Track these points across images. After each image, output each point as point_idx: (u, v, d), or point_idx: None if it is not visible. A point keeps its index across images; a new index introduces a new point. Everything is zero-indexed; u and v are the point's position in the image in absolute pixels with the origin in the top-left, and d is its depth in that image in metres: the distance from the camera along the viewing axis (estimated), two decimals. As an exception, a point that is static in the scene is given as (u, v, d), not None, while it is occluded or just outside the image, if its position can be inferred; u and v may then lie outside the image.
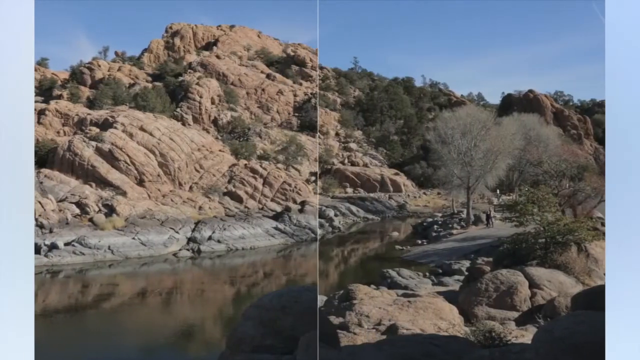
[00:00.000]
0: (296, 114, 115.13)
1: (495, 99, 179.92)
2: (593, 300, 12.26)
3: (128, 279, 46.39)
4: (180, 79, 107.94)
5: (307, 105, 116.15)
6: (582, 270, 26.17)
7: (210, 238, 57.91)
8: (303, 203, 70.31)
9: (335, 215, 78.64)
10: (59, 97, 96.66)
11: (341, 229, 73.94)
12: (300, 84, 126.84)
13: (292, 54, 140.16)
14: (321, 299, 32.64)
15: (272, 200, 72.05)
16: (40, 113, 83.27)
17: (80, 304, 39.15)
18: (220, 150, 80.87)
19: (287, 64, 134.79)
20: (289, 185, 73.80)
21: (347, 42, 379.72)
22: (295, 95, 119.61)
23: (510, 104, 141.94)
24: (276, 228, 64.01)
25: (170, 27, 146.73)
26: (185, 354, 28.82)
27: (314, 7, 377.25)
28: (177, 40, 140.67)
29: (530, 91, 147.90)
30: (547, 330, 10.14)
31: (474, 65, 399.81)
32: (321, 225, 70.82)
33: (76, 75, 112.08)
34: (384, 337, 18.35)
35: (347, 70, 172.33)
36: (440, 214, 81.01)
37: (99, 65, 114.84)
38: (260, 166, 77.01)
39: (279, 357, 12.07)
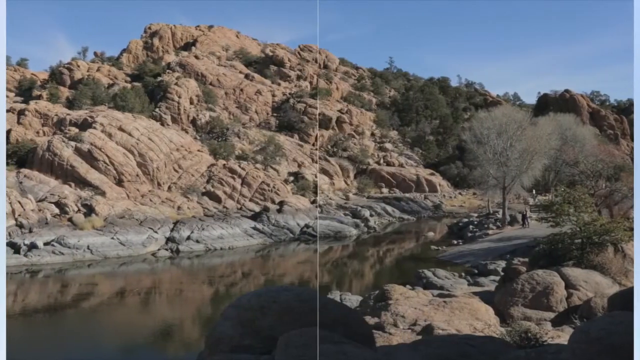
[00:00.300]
0: (274, 114, 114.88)
1: (531, 99, 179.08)
2: (630, 301, 11.64)
3: (107, 279, 46.55)
4: (159, 79, 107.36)
5: (285, 105, 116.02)
6: (618, 270, 26.14)
7: (188, 238, 58.17)
8: (281, 203, 70.55)
9: (371, 215, 79.41)
10: (39, 97, 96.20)
11: (377, 229, 74.49)
12: (279, 84, 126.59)
13: (270, 54, 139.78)
14: (356, 299, 33.17)
15: (250, 200, 72.23)
16: (19, 113, 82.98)
17: (59, 303, 39.31)
18: (198, 150, 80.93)
19: (266, 64, 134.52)
20: (268, 185, 74.01)
21: (383, 42, 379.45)
22: (273, 96, 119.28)
23: (546, 104, 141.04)
24: (254, 228, 64.33)
25: (149, 28, 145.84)
26: (163, 353, 29.03)
27: (297, 6, 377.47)
28: (155, 41, 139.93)
29: (567, 91, 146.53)
30: (583, 331, 9.98)
31: (509, 65, 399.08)
32: (357, 226, 71.51)
33: (55, 76, 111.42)
34: (420, 337, 18.46)
35: (382, 70, 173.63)
36: (475, 214, 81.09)
37: (78, 66, 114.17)
38: (239, 166, 77.14)
39: (258, 357, 11.98)
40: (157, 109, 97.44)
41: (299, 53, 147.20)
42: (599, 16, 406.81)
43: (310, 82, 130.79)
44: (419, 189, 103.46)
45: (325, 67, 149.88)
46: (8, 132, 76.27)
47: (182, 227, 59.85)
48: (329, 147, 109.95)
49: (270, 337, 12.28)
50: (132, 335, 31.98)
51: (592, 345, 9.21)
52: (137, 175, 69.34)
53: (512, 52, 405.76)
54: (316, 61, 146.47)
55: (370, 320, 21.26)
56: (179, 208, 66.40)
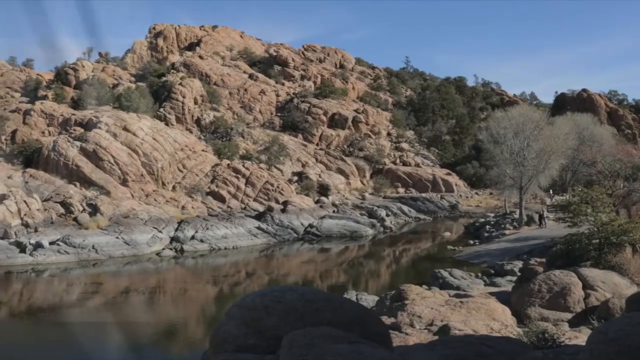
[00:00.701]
0: (278, 114, 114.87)
1: (548, 99, 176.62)
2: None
3: (112, 278, 46.76)
4: (164, 79, 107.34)
5: (289, 105, 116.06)
6: (637, 271, 25.93)
7: (193, 237, 58.31)
8: (285, 203, 70.68)
9: (387, 215, 79.22)
10: (44, 97, 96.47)
11: (393, 229, 74.33)
12: (283, 84, 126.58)
13: (274, 54, 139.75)
14: (373, 299, 33.26)
15: (254, 200, 72.37)
16: (25, 113, 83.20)
17: (64, 302, 39.56)
18: (203, 150, 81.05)
19: (270, 64, 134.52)
20: (272, 185, 74.14)
21: (399, 42, 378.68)
22: (277, 95, 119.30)
23: (563, 104, 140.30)
24: (259, 228, 64.39)
25: (154, 28, 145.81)
26: (168, 353, 29.15)
27: (302, 6, 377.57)
28: (160, 41, 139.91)
29: (584, 90, 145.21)
30: (601, 331, 9.80)
31: (526, 65, 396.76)
32: (373, 225, 71.32)
33: (61, 76, 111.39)
34: (436, 337, 18.40)
35: (399, 70, 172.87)
36: (492, 214, 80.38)
37: (83, 66, 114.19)
38: (243, 166, 77.28)
39: (262, 356, 11.95)
40: (161, 109, 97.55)
41: (302, 53, 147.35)
42: (617, 15, 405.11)
43: (314, 82, 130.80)
44: (436, 188, 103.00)
45: (341, 66, 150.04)
46: (14, 132, 76.68)
47: (187, 226, 59.98)
48: (345, 146, 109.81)
49: (274, 337, 12.31)
50: (137, 334, 32.15)
51: (610, 346, 9.16)
52: (142, 175, 69.56)
53: (529, 52, 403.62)
54: (320, 61, 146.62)
55: (387, 320, 21.25)
56: (183, 208, 66.60)
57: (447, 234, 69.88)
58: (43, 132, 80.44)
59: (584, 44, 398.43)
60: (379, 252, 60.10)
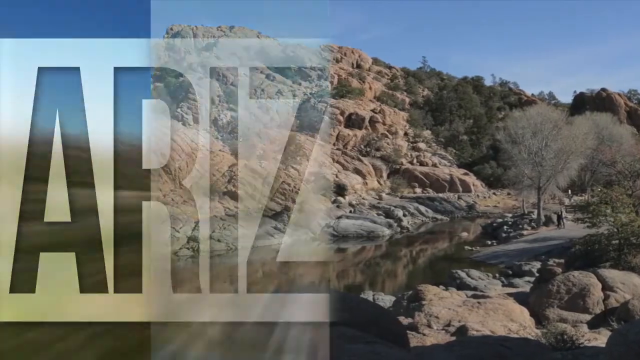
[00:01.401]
0: (295, 114, 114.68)
1: (567, 98, 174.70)
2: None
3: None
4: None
5: (306, 105, 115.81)
6: None
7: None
8: (302, 203, 70.55)
9: (404, 215, 78.86)
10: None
11: (410, 229, 74.16)
12: (300, 84, 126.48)
13: (291, 54, 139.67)
14: (389, 299, 33.14)
15: (271, 200, 72.35)
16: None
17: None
18: (220, 150, 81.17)
19: (287, 64, 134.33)
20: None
21: (416, 42, 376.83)
22: (294, 96, 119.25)
23: (582, 103, 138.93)
24: (275, 228, 64.41)
25: (171, 29, 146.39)
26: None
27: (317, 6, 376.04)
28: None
29: (603, 89, 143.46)
30: (621, 333, 9.93)
31: (544, 64, 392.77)
32: (390, 225, 71.13)
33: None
34: (454, 338, 18.34)
35: (415, 70, 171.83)
36: (510, 215, 79.57)
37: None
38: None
39: None
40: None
41: (319, 53, 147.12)
42: (636, 13, 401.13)
43: (331, 82, 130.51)
44: (453, 188, 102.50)
45: (358, 66, 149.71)
46: (32, 132, 77.06)
47: (204, 226, 60.00)
48: (362, 146, 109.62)
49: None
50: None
51: (630, 348, 9.16)
52: (159, 175, 69.66)
53: (547, 51, 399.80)
54: (337, 60, 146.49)
55: (404, 320, 21.19)
56: (200, 207, 66.66)
57: (465, 234, 69.47)
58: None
59: (603, 42, 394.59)
60: (396, 252, 59.91)
